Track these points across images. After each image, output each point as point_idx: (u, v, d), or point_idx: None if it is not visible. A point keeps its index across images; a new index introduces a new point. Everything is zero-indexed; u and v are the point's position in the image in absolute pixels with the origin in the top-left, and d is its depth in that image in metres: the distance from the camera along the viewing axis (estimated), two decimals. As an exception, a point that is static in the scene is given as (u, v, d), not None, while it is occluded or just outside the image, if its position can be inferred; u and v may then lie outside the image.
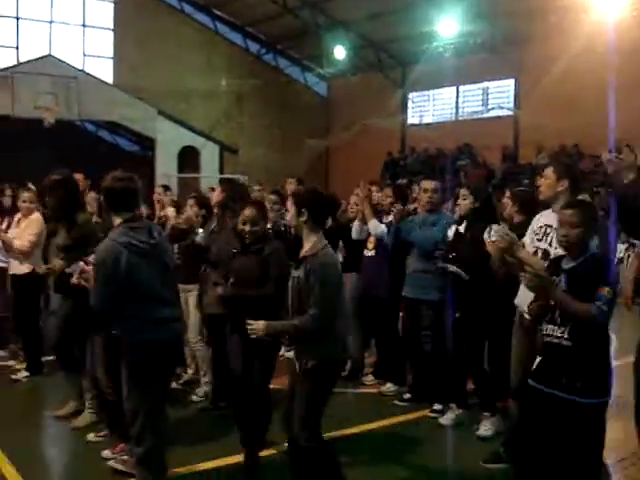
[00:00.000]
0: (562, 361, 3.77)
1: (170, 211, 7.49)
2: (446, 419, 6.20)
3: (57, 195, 5.87)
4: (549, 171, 4.99)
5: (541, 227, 5.00)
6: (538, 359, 3.99)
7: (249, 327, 4.37)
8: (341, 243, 7.59)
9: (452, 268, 5.92)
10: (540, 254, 4.86)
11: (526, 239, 5.11)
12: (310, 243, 4.32)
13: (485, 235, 5.55)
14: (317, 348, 4.21)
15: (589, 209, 4.00)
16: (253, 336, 4.38)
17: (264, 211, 5.47)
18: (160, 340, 4.39)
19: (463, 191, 6.12)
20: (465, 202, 6.02)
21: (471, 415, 6.19)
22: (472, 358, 5.96)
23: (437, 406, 6.41)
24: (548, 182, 4.97)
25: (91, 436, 5.73)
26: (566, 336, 3.75)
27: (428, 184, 6.66)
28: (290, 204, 4.54)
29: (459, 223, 6.14)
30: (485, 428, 5.87)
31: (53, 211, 6.16)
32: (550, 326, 3.86)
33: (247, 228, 5.16)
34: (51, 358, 7.50)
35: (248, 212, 5.21)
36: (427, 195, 6.62)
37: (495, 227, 5.67)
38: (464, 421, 6.16)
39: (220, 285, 5.45)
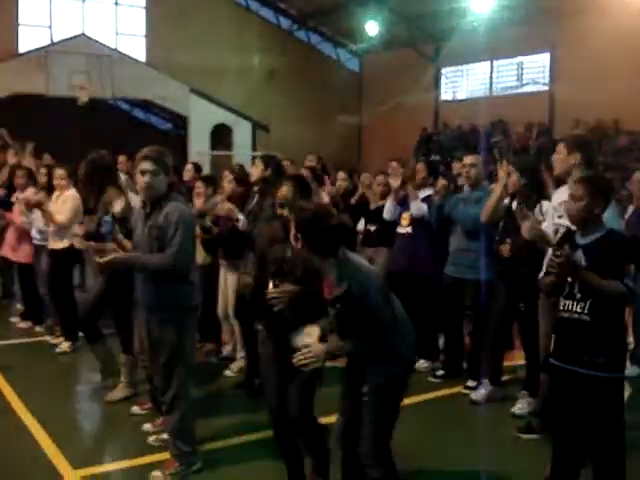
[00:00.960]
0: (582, 337, 3.73)
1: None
2: (477, 395, 6.19)
3: (90, 174, 6.03)
4: (560, 146, 5.02)
5: (560, 203, 4.97)
6: (554, 337, 3.96)
7: (299, 357, 3.62)
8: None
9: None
10: (561, 231, 4.85)
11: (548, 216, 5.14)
12: (329, 269, 3.68)
13: (537, 213, 5.48)
14: (381, 367, 3.74)
15: (596, 182, 3.89)
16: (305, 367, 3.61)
17: (306, 187, 4.45)
18: (197, 305, 4.73)
19: (509, 167, 6.01)
20: (512, 179, 5.89)
21: (504, 392, 6.18)
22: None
23: (471, 383, 6.40)
24: (560, 157, 5.01)
25: (135, 409, 5.81)
26: (586, 311, 3.71)
27: (468, 158, 6.60)
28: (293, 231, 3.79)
29: (510, 201, 6.01)
30: (520, 406, 5.84)
31: (85, 186, 6.28)
32: (568, 301, 3.80)
33: (285, 212, 4.23)
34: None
35: (285, 191, 4.26)
36: (465, 170, 6.58)
37: (546, 205, 5.58)
38: (497, 398, 6.14)
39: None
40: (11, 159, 9.87)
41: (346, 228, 3.99)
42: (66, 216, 7.30)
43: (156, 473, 4.59)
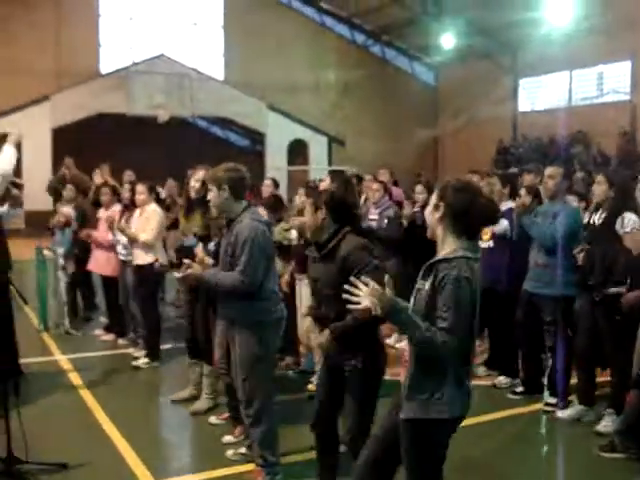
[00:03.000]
0: None
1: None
2: (564, 413, 6.03)
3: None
4: None
5: None
6: None
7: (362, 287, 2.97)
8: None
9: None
10: None
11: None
12: (448, 247, 3.13)
13: (617, 226, 5.32)
14: (429, 403, 3.19)
15: None
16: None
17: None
18: (279, 318, 4.72)
19: (599, 177, 5.85)
20: (601, 188, 5.73)
21: (590, 411, 6.04)
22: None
23: (551, 400, 6.26)
24: None
25: (213, 419, 5.90)
26: None
27: (549, 170, 6.47)
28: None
29: (593, 211, 5.85)
30: (605, 424, 5.67)
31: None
32: None
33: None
34: (169, 346, 7.81)
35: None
36: (544, 182, 6.47)
37: (628, 216, 5.41)
38: (581, 416, 5.99)
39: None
40: (97, 179, 10.24)
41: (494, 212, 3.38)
42: (151, 234, 7.41)
43: None
